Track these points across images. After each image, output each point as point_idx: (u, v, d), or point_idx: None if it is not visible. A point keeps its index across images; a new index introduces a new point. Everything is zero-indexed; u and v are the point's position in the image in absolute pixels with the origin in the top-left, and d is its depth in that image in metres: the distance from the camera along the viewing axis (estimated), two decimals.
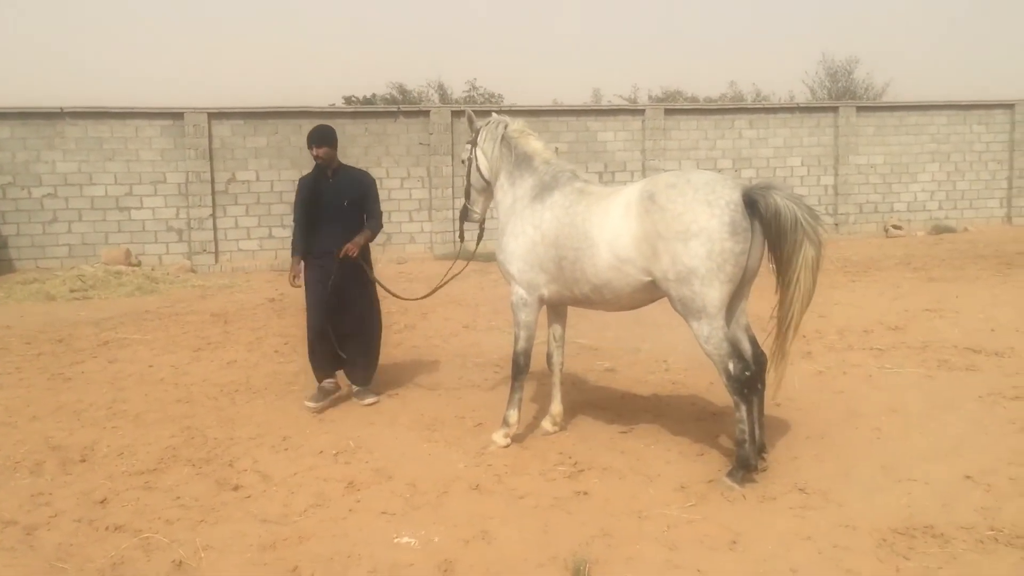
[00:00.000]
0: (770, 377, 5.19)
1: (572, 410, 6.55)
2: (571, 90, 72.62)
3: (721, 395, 6.80)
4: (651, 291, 5.24)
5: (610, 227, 5.18)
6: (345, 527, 4.57)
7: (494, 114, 6.32)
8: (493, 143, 6.07)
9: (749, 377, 4.99)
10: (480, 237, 6.39)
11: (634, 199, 5.12)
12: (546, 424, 6.12)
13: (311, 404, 6.80)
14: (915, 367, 7.52)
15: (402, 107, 20.00)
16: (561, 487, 5.05)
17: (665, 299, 5.21)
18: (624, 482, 5.12)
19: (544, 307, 5.93)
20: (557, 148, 18.09)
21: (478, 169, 6.19)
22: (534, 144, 5.99)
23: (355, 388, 7.08)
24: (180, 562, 4.19)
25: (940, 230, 19.85)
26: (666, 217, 4.89)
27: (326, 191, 6.90)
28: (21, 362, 8.80)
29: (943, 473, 5.05)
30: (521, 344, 5.86)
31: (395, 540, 4.39)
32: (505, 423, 5.85)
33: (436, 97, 39.14)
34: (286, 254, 17.26)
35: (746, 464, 4.99)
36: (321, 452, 5.77)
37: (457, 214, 6.44)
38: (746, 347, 5.19)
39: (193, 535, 4.49)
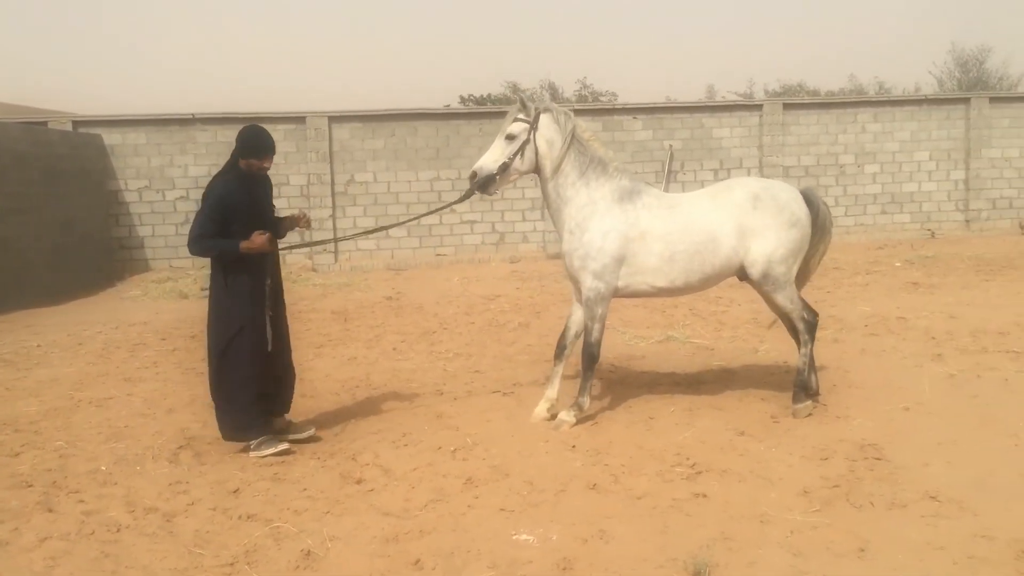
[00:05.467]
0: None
1: (689, 411, 6.46)
2: (684, 87, 71.60)
3: (845, 400, 6.61)
4: (737, 272, 6.35)
5: (727, 223, 6.11)
6: (464, 522, 4.63)
7: (552, 102, 6.58)
8: (561, 136, 6.23)
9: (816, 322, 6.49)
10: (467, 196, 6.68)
11: (741, 199, 6.18)
12: (542, 409, 6.43)
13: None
14: None
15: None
16: (679, 488, 4.99)
17: None
18: (744, 485, 5.02)
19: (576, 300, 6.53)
20: (671, 145, 17.87)
21: (535, 152, 6.26)
22: (606, 151, 6.40)
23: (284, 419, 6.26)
24: (309, 552, 4.33)
25: None
26: (772, 210, 6.11)
27: (259, 200, 6.21)
28: (157, 357, 9.28)
29: None
30: (595, 335, 6.38)
31: (513, 537, 4.42)
32: (578, 408, 6.30)
33: (547, 96, 39.34)
34: (402, 254, 17.65)
35: (805, 388, 6.30)
36: (439, 448, 5.86)
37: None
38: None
39: (320, 526, 4.64)
